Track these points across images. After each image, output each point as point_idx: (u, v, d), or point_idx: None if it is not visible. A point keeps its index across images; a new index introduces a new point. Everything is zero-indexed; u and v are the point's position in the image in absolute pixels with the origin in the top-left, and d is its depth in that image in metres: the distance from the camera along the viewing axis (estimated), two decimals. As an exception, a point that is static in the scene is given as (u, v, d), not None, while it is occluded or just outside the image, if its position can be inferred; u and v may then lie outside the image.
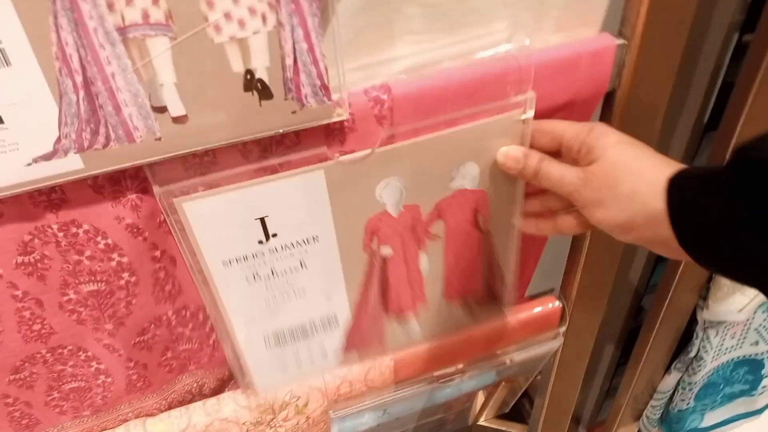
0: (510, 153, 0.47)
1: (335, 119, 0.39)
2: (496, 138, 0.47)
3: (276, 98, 0.36)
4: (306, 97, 0.37)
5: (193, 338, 0.53)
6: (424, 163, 0.46)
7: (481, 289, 0.59)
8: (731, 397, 0.93)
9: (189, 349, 0.54)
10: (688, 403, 0.89)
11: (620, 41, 0.47)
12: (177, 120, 0.36)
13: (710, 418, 0.95)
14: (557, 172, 0.44)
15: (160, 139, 0.36)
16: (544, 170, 0.45)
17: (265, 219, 0.44)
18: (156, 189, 0.39)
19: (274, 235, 0.46)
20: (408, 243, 0.52)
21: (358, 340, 0.57)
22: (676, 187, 0.39)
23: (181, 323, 0.51)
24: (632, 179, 0.40)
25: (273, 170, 0.42)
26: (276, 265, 0.48)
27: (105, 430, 0.55)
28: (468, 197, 0.50)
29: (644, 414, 0.93)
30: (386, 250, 0.51)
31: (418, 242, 0.52)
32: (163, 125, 0.36)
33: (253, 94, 0.36)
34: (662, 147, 0.66)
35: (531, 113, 0.46)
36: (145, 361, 0.51)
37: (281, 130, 0.38)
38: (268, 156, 0.40)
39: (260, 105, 0.36)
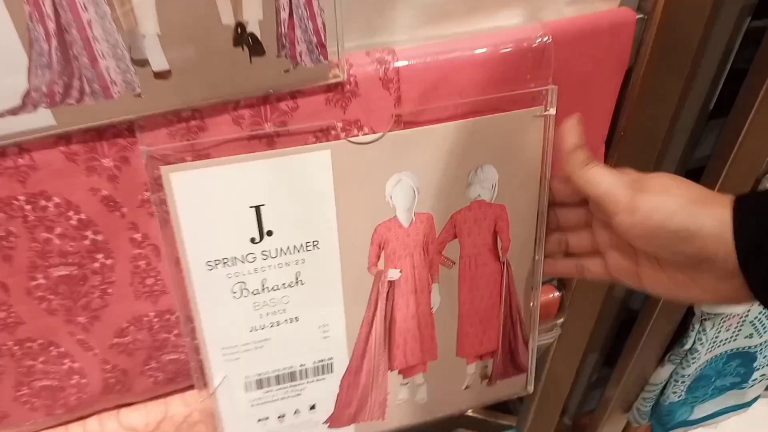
0: (575, 125, 0.40)
1: (331, 81, 0.35)
2: (516, 135, 0.43)
3: (268, 55, 0.33)
4: (300, 55, 0.34)
5: (180, 347, 0.47)
6: (439, 158, 0.42)
7: (499, 347, 0.52)
8: (722, 390, 0.92)
9: (177, 360, 0.48)
10: (679, 396, 0.87)
11: (640, 15, 0.44)
12: (159, 75, 0.32)
13: (700, 411, 0.94)
14: (609, 175, 0.39)
15: (140, 95, 0.32)
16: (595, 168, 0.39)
17: (261, 208, 0.40)
18: (143, 149, 0.35)
19: (269, 233, 0.40)
20: (419, 267, 0.46)
21: (355, 399, 0.50)
22: (744, 200, 0.35)
23: (164, 328, 0.45)
24: (690, 191, 0.37)
25: (270, 143, 0.38)
26: (269, 276, 0.42)
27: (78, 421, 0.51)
28: (486, 212, 0.46)
29: (634, 406, 0.91)
30: (394, 274, 0.46)
31: (431, 267, 0.47)
32: (143, 80, 0.32)
33: (243, 49, 0.32)
34: (669, 131, 0.64)
35: (553, 110, 0.43)
36: (124, 367, 0.46)
37: (272, 91, 0.34)
38: (262, 123, 0.37)
39: (250, 62, 0.33)
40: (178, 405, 0.53)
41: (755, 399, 0.99)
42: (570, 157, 0.39)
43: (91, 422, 0.51)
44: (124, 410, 0.52)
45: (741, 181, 0.60)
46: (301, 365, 0.46)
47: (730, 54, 0.60)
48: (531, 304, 0.50)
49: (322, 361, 0.47)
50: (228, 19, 0.32)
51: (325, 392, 0.48)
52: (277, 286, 0.42)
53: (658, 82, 0.47)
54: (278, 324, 0.44)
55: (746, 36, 0.58)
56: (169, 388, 0.52)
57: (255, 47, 0.33)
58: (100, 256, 0.39)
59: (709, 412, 0.95)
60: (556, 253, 0.47)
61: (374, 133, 0.40)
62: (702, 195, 0.36)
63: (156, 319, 0.43)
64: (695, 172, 0.63)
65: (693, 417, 0.94)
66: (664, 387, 0.88)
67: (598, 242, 0.43)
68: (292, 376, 0.47)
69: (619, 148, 0.51)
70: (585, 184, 0.39)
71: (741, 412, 1.00)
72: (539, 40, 0.40)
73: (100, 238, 0.38)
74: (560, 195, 0.45)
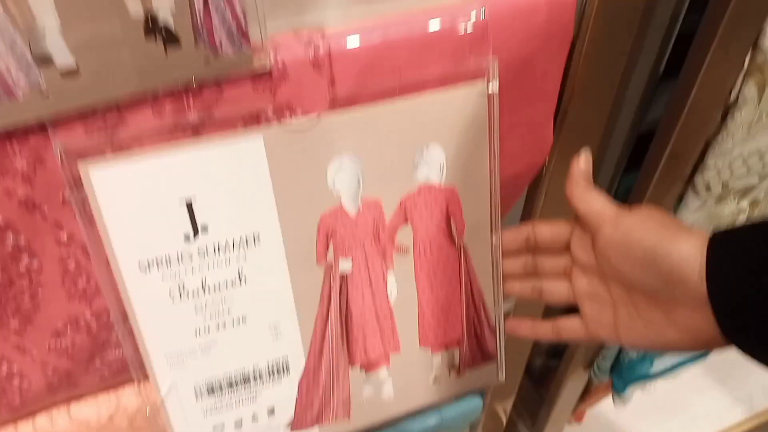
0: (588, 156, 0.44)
1: (257, 68, 0.33)
2: (460, 112, 0.42)
3: (184, 46, 0.31)
4: (221, 44, 0.32)
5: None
6: (381, 140, 0.40)
7: (464, 334, 0.51)
8: (679, 343, 0.95)
9: (122, 359, 0.46)
10: (638, 352, 0.89)
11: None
12: (66, 72, 0.30)
13: (659, 364, 0.96)
14: (604, 198, 0.42)
15: (47, 95, 0.30)
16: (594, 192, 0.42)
17: (192, 203, 0.37)
18: (56, 145, 0.33)
19: (204, 229, 0.38)
20: (372, 257, 0.45)
21: (316, 400, 0.48)
22: (722, 233, 0.36)
23: (104, 329, 0.43)
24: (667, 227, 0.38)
25: (196, 132, 0.36)
26: (208, 275, 0.39)
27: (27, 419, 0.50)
28: (437, 195, 0.45)
29: (595, 362, 0.93)
30: (345, 264, 0.44)
31: (384, 256, 0.45)
32: (49, 78, 0.30)
33: (156, 41, 0.30)
34: (618, 95, 0.64)
35: (496, 84, 0.41)
36: (67, 368, 0.44)
37: (193, 83, 0.32)
38: (185, 112, 0.35)
39: (165, 53, 0.31)
40: (131, 396, 0.52)
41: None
42: (576, 178, 0.43)
43: (41, 419, 0.50)
44: (74, 405, 0.51)
45: (692, 143, 0.60)
46: (254, 368, 0.45)
47: (678, 17, 0.59)
48: (493, 289, 0.49)
49: (277, 362, 0.45)
50: (136, 10, 0.29)
51: (284, 395, 0.47)
52: (219, 285, 0.40)
53: (604, 52, 0.46)
54: (224, 326, 0.42)
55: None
56: (120, 381, 0.51)
57: (169, 38, 0.31)
58: (24, 258, 0.37)
59: (669, 365, 0.98)
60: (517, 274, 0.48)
61: (308, 115, 0.38)
62: (680, 224, 0.39)
63: (93, 320, 0.42)
64: (648, 136, 0.63)
65: (653, 370, 0.97)
66: (626, 345, 0.90)
67: (576, 292, 0.44)
68: (245, 380, 0.45)
69: (567, 119, 0.50)
70: (582, 202, 0.42)
71: (698, 363, 1.03)
72: (475, 13, 0.39)
73: (21, 241, 0.36)
74: (543, 238, 0.46)
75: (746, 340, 0.35)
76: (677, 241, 0.37)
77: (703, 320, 0.36)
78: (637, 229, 0.39)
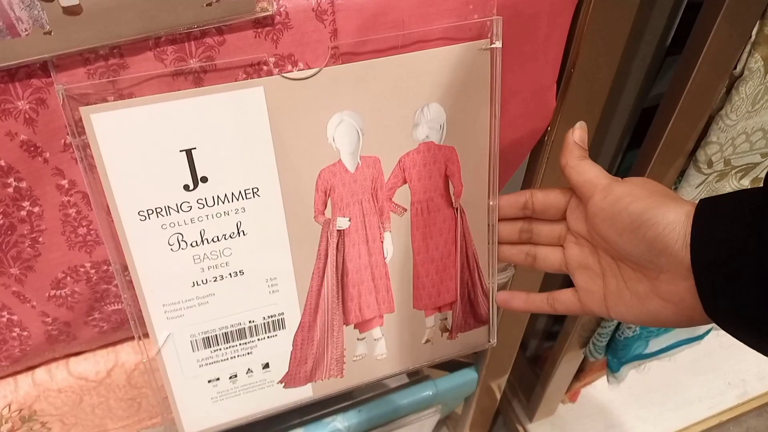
0: (584, 126, 0.44)
1: (259, 14, 0.33)
2: (462, 71, 0.41)
3: (188, -14, 0.31)
4: (224, -14, 0.31)
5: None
6: (382, 96, 0.40)
7: (458, 298, 0.51)
8: (675, 324, 0.95)
9: (121, 311, 0.46)
10: (634, 331, 0.90)
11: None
12: (68, 10, 0.30)
13: (654, 345, 0.97)
14: (597, 168, 0.42)
15: (50, 32, 0.30)
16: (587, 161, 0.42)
17: (193, 152, 0.37)
18: (58, 88, 0.33)
19: (204, 180, 0.38)
20: (369, 215, 0.45)
21: (310, 356, 0.48)
22: (709, 200, 0.36)
23: (104, 279, 0.43)
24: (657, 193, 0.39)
25: (197, 81, 0.36)
26: (207, 226, 0.39)
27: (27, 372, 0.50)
28: (436, 154, 0.44)
29: (590, 341, 0.94)
30: (343, 222, 0.44)
31: (381, 215, 0.45)
32: (52, 16, 0.30)
33: (160, -21, 0.30)
34: (624, 69, 0.63)
35: (499, 43, 0.41)
36: (66, 319, 0.44)
37: (195, 26, 0.32)
38: (186, 59, 0.35)
39: (169, -6, 0.31)
40: (128, 352, 0.52)
41: (708, 332, 1.02)
42: (571, 148, 0.43)
43: (40, 372, 0.51)
44: (73, 359, 0.52)
45: (695, 116, 0.60)
46: (250, 321, 0.45)
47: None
48: (488, 252, 0.49)
49: (273, 316, 0.45)
50: (140, -54, 0.29)
51: (278, 350, 0.47)
52: (218, 237, 0.40)
53: (609, 17, 0.46)
54: (222, 278, 0.42)
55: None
56: (118, 336, 0.51)
57: (172, -22, 0.31)
58: (26, 203, 0.37)
59: (664, 346, 0.99)
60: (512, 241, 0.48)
61: (309, 68, 0.38)
62: (672, 194, 0.39)
63: (93, 270, 0.42)
64: (653, 111, 0.63)
65: (648, 350, 0.97)
66: (619, 322, 0.90)
67: (568, 262, 0.44)
68: (241, 334, 0.45)
69: (571, 85, 0.50)
70: (575, 171, 0.42)
71: (694, 345, 1.03)
72: (481, -31, 0.39)
73: (23, 185, 0.36)
74: (540, 206, 0.46)
75: (726, 313, 0.35)
76: (663, 209, 0.36)
77: (687, 291, 0.36)
78: (625, 196, 0.38)
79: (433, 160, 0.45)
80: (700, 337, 1.02)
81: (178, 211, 0.39)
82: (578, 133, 0.43)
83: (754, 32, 0.52)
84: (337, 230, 0.44)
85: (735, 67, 0.55)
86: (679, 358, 1.06)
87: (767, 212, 0.32)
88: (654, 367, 1.07)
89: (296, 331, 0.47)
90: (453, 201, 0.47)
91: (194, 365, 0.45)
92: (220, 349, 0.45)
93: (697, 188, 0.66)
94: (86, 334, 0.47)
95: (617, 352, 0.94)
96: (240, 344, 0.45)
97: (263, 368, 0.47)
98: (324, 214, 0.43)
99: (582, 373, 1.01)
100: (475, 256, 0.50)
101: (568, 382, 1.02)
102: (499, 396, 0.92)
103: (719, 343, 1.16)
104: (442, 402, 0.81)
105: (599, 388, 1.09)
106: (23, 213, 0.38)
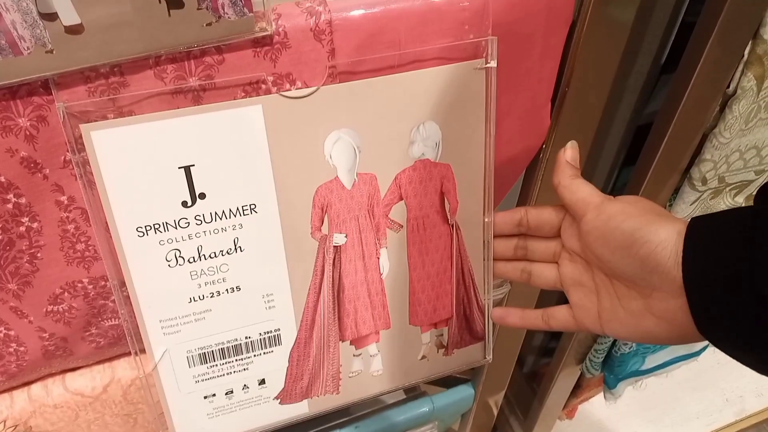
0: (576, 145, 0.44)
1: (258, 34, 0.33)
2: (457, 90, 0.42)
3: (187, 7, 0.31)
4: (223, 7, 0.32)
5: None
6: (378, 114, 0.41)
7: (453, 314, 0.51)
8: (672, 341, 0.95)
9: (118, 326, 0.46)
10: (630, 347, 0.90)
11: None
12: (70, 29, 0.30)
13: (651, 361, 0.97)
14: (589, 186, 0.42)
15: (52, 51, 0.30)
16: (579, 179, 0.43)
17: (191, 169, 0.38)
18: (59, 106, 0.34)
19: (202, 196, 0.39)
20: (365, 232, 0.45)
21: (306, 373, 0.49)
22: (701, 218, 0.36)
23: (101, 295, 0.44)
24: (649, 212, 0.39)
25: (196, 99, 0.37)
26: (204, 242, 0.40)
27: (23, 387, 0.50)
28: (431, 172, 0.45)
29: (587, 357, 0.94)
30: (340, 238, 0.44)
31: (377, 231, 0.45)
32: (54, 35, 0.30)
33: (160, 1, 0.31)
34: (618, 87, 0.64)
35: (494, 62, 0.42)
36: (63, 335, 0.45)
37: (195, 46, 0.32)
38: (186, 78, 0.35)
39: (169, 15, 0.31)
40: (125, 368, 0.52)
41: (704, 349, 1.02)
42: (563, 167, 0.43)
43: (36, 388, 0.51)
44: (69, 374, 0.52)
45: (689, 134, 0.60)
46: (246, 337, 0.45)
47: (681, 7, 0.60)
48: (483, 268, 0.50)
49: (269, 332, 0.46)
50: (141, -32, 0.30)
51: (274, 366, 0.47)
52: (215, 253, 0.41)
53: (602, 36, 0.47)
54: (219, 294, 0.42)
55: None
56: (114, 352, 0.51)
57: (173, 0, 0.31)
58: (25, 219, 0.38)
59: (660, 362, 0.98)
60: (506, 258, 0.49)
61: (308, 87, 0.38)
62: (664, 212, 0.39)
63: (90, 286, 0.42)
64: (648, 129, 0.63)
65: (644, 367, 0.97)
66: (615, 339, 0.90)
67: (563, 279, 0.45)
68: (237, 350, 0.45)
69: (565, 104, 0.51)
70: (568, 190, 0.42)
71: (690, 362, 1.03)
72: (476, -10, 0.39)
73: (23, 201, 0.37)
74: (534, 223, 0.46)
75: (718, 330, 0.35)
76: (655, 227, 0.37)
77: (679, 309, 0.36)
78: (618, 214, 0.39)
79: (428, 177, 0.45)
80: (697, 354, 1.02)
81: (176, 228, 0.39)
82: (570, 153, 0.43)
83: (746, 52, 0.53)
84: (334, 246, 0.45)
85: (728, 86, 0.56)
86: (677, 375, 1.06)
87: (758, 230, 0.33)
88: (651, 384, 1.07)
89: (292, 347, 0.47)
90: (449, 218, 0.48)
91: (190, 381, 0.45)
92: (217, 365, 0.45)
93: (691, 205, 0.67)
94: (83, 350, 0.48)
95: (614, 368, 0.94)
96: (236, 360, 0.45)
97: (259, 384, 0.47)
98: (321, 230, 0.44)
99: (579, 389, 1.01)
100: (471, 272, 0.50)
101: (565, 398, 1.01)
102: (496, 412, 0.91)
103: (716, 359, 1.16)
104: (438, 418, 0.81)
105: (596, 405, 1.09)
106: (22, 228, 0.38)
